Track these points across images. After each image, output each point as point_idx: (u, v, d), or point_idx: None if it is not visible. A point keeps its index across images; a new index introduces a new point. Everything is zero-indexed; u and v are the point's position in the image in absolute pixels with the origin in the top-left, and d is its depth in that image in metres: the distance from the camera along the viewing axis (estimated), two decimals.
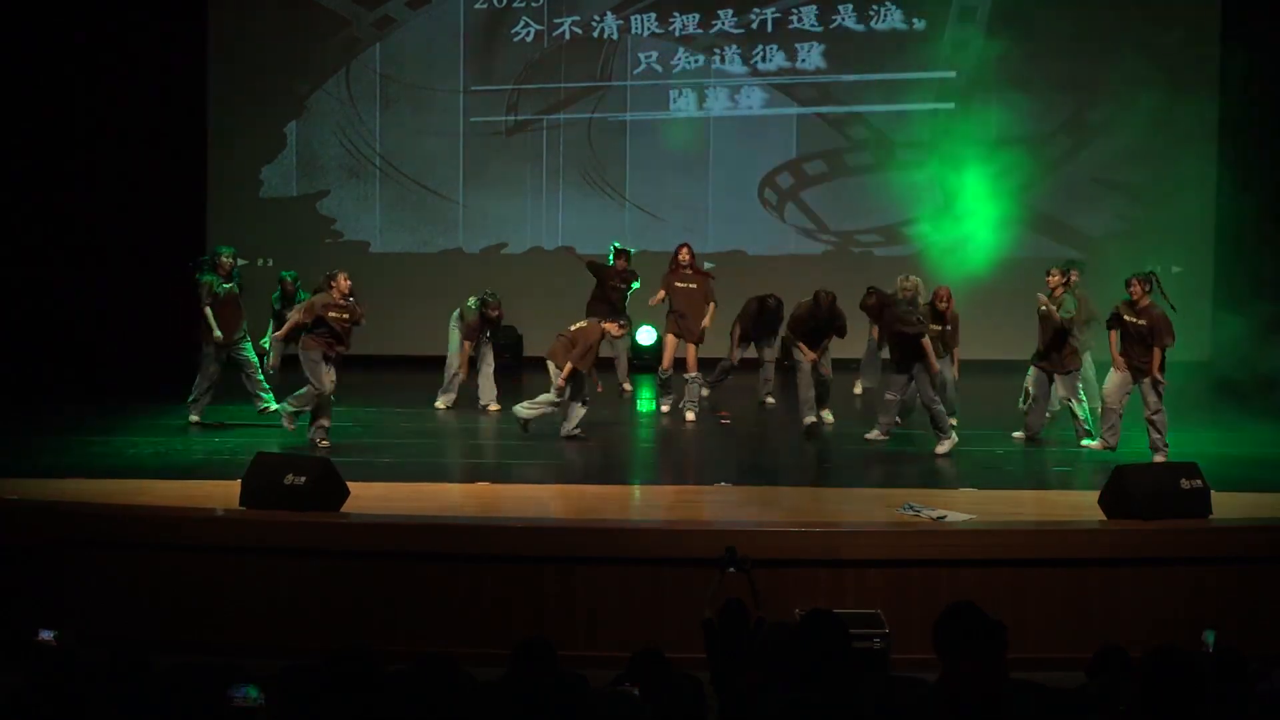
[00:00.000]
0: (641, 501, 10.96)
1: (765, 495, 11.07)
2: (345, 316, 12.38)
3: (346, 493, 9.70)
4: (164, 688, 5.60)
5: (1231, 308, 16.27)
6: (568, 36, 17.63)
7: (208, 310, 13.39)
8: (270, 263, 17.75)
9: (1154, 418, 11.94)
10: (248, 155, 17.82)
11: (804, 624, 5.32)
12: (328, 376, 12.30)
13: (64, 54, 16.77)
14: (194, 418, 13.40)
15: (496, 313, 14.31)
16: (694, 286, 13.89)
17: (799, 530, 9.32)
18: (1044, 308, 12.44)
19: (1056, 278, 12.54)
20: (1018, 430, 12.87)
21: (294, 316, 12.62)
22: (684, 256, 14.03)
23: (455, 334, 14.32)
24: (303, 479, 9.47)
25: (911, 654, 7.98)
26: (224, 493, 9.88)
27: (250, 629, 9.01)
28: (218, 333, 13.36)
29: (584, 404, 12.59)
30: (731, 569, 7.54)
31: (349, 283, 12.47)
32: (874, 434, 12.54)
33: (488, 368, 14.36)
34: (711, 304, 13.82)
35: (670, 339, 13.84)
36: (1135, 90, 17.19)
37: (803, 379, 12.92)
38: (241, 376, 13.48)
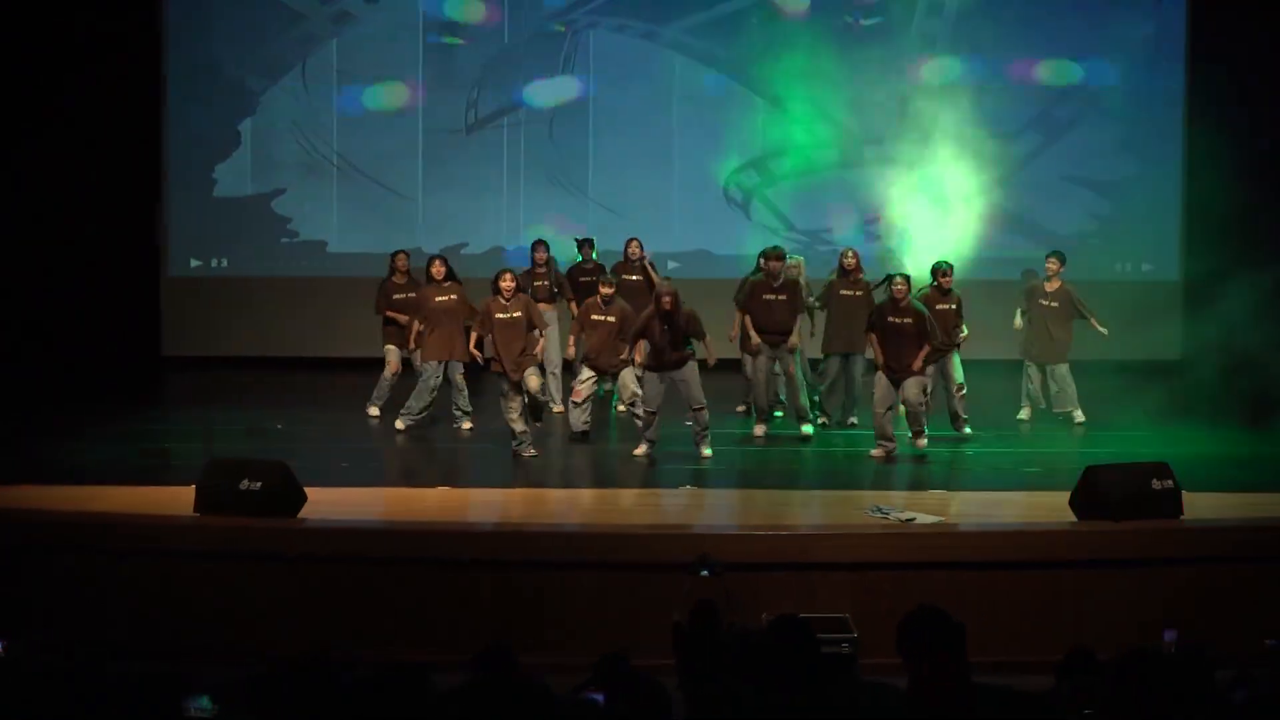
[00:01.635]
0: (606, 505, 10.98)
1: (731, 498, 11.10)
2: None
3: (303, 498, 9.69)
4: (118, 696, 5.58)
5: (1201, 306, 16.38)
6: (529, 31, 17.62)
7: (415, 324, 13.32)
8: (225, 263, 17.69)
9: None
10: (201, 153, 17.73)
11: (771, 630, 5.35)
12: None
13: (12, 49, 16.64)
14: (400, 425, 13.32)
15: (544, 257, 14.26)
16: (639, 279, 14.27)
17: (768, 534, 9.36)
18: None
19: (901, 285, 12.39)
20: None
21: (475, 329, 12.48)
22: (634, 251, 14.43)
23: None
24: (258, 484, 9.45)
25: (880, 658, 8.00)
26: (178, 498, 9.84)
27: (207, 636, 8.98)
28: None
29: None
30: (704, 572, 7.58)
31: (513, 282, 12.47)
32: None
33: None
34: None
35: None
36: (1104, 86, 17.32)
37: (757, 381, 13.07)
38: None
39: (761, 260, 13.38)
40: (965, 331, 13.21)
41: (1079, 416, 13.70)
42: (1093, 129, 17.43)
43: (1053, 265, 13.85)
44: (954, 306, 13.02)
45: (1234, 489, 10.85)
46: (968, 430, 13.00)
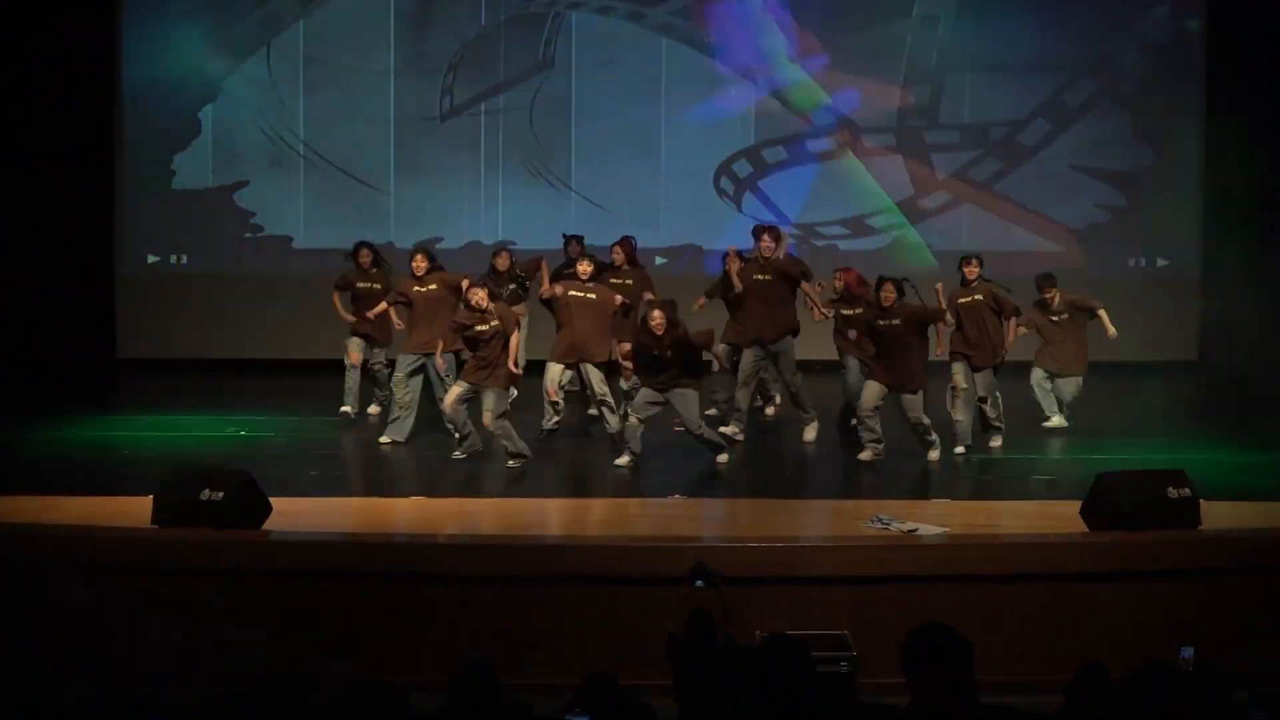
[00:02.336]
0: (590, 516, 10.98)
1: (722, 508, 11.10)
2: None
3: (269, 508, 9.69)
4: None
5: (1221, 303, 16.42)
6: (508, 14, 17.61)
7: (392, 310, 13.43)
8: (184, 259, 17.66)
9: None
10: (159, 142, 17.69)
11: (764, 649, 5.37)
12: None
13: None
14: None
15: (506, 264, 14.04)
16: (629, 283, 13.78)
17: (760, 545, 9.37)
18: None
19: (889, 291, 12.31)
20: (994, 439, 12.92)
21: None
22: (617, 257, 13.90)
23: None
24: (220, 494, 9.44)
25: (880, 678, 8.02)
26: (135, 510, 9.83)
27: (166, 656, 8.97)
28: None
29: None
30: (700, 582, 7.61)
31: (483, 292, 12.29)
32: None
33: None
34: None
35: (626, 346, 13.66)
36: (1117, 70, 17.35)
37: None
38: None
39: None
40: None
41: (1058, 422, 13.68)
42: (1106, 116, 17.47)
43: (1050, 294, 13.58)
44: (980, 297, 12.87)
45: (1254, 497, 10.87)
46: (997, 443, 12.88)
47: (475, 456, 12.25)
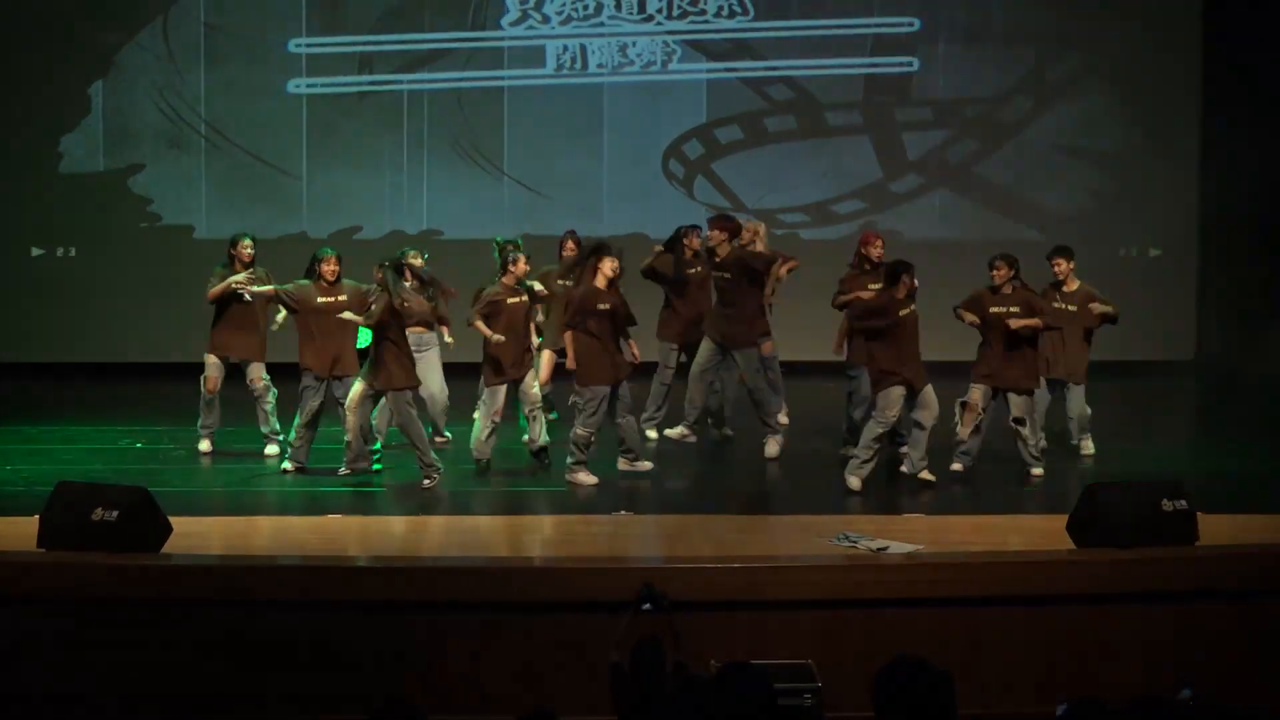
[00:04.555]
0: (527, 534, 10.97)
1: (673, 525, 11.10)
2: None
3: (168, 529, 9.63)
4: None
5: (1220, 297, 16.54)
6: None
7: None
8: (72, 252, 17.53)
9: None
10: (43, 122, 17.58)
11: (719, 680, 5.37)
12: None
13: None
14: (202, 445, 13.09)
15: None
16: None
17: (715, 566, 9.37)
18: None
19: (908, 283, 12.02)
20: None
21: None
22: (571, 249, 13.78)
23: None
24: (115, 513, 9.37)
25: (848, 711, 8.05)
26: (18, 532, 9.76)
27: (55, 697, 8.91)
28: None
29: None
30: (648, 606, 7.60)
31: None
32: None
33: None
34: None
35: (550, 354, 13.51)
36: (1105, 42, 17.45)
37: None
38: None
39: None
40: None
41: (1091, 447, 13.21)
42: (1092, 91, 17.57)
43: (1063, 265, 13.06)
44: (1017, 308, 12.22)
45: (1257, 510, 10.94)
46: (1038, 471, 12.34)
47: (398, 470, 12.24)
